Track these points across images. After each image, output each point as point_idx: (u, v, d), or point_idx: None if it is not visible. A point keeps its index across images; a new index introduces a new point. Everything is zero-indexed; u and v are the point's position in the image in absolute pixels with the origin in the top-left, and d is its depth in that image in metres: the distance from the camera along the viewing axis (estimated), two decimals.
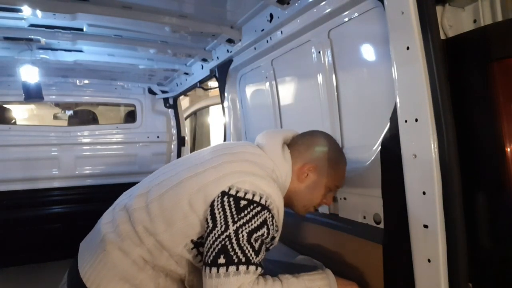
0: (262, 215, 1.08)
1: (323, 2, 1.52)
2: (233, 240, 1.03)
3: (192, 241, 1.14)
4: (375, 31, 1.39)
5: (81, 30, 2.12)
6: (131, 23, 1.94)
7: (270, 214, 1.10)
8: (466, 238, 0.95)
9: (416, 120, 1.01)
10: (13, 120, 3.47)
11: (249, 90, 2.51)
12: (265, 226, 1.08)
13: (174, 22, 1.95)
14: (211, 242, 1.05)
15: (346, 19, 1.52)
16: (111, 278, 1.15)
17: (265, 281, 1.05)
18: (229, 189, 1.10)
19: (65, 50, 2.48)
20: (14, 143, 3.16)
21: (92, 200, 1.54)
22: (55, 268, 1.49)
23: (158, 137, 3.69)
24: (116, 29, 2.14)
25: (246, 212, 1.06)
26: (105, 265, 1.16)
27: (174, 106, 3.73)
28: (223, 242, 1.03)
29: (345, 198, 1.56)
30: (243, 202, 1.07)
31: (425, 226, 0.98)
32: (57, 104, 3.82)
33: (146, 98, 3.69)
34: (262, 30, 1.89)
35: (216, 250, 1.03)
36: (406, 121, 1.04)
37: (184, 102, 6.00)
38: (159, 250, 1.15)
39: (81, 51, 2.51)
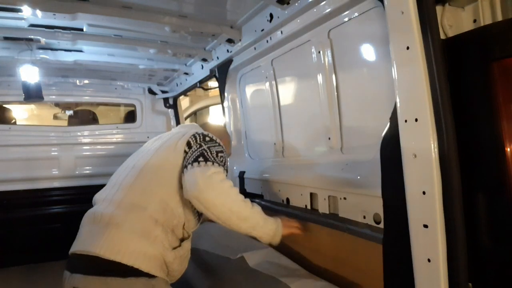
0: (220, 146, 1.55)
1: (323, 2, 1.52)
2: (207, 151, 1.47)
3: None
4: (375, 31, 1.39)
5: (81, 30, 2.12)
6: (131, 23, 1.94)
7: (223, 149, 1.56)
8: (466, 238, 0.95)
9: (416, 120, 1.00)
10: (13, 120, 3.47)
11: (249, 90, 2.51)
12: (224, 153, 1.53)
13: (174, 22, 1.95)
14: (190, 155, 1.46)
15: (346, 19, 1.52)
16: (130, 240, 1.32)
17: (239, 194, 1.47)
18: (196, 133, 1.56)
19: (65, 50, 2.48)
20: (14, 143, 3.15)
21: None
22: (55, 268, 1.49)
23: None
24: (116, 29, 2.14)
25: (211, 142, 1.53)
26: (120, 235, 1.33)
27: (174, 106, 3.73)
28: (200, 151, 1.46)
29: (345, 198, 1.56)
30: (207, 138, 1.54)
31: (425, 226, 0.98)
32: (57, 104, 3.82)
33: (146, 98, 3.69)
34: (262, 30, 1.89)
35: (196, 155, 1.44)
36: (406, 121, 1.04)
37: (184, 102, 6.00)
38: (166, 203, 1.43)
39: (81, 51, 2.50)
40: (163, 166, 1.51)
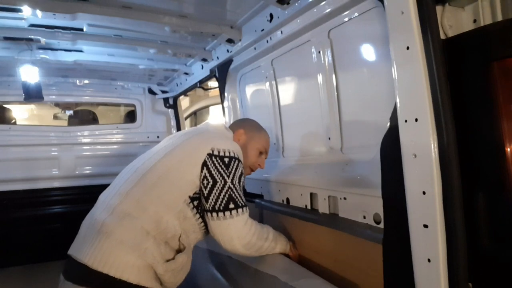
0: (239, 166, 1.51)
1: (323, 2, 1.52)
2: (234, 190, 1.44)
3: (189, 196, 1.45)
4: (375, 31, 1.39)
5: (81, 30, 2.12)
6: (131, 23, 1.94)
7: (241, 163, 1.54)
8: (466, 238, 0.95)
9: (416, 120, 1.00)
10: (13, 120, 3.47)
11: (249, 90, 2.51)
12: (241, 171, 1.52)
13: (174, 22, 1.95)
14: (217, 193, 1.41)
15: (346, 19, 1.52)
16: (118, 251, 1.29)
17: (257, 223, 1.54)
18: (212, 151, 1.46)
19: (65, 50, 2.47)
20: (14, 143, 3.15)
21: (92, 200, 1.55)
22: (55, 268, 1.49)
23: (158, 137, 3.68)
24: (116, 29, 2.14)
25: (231, 166, 1.47)
26: (109, 245, 1.29)
27: (174, 106, 3.73)
28: (229, 192, 1.42)
29: (345, 198, 1.56)
30: (226, 160, 1.47)
31: (425, 226, 0.98)
32: (57, 104, 3.82)
33: (146, 98, 3.69)
34: (262, 30, 1.89)
35: (226, 198, 1.41)
36: (406, 121, 1.04)
37: (184, 102, 6.00)
38: (160, 216, 1.37)
39: (81, 51, 2.50)
40: (166, 175, 1.44)
